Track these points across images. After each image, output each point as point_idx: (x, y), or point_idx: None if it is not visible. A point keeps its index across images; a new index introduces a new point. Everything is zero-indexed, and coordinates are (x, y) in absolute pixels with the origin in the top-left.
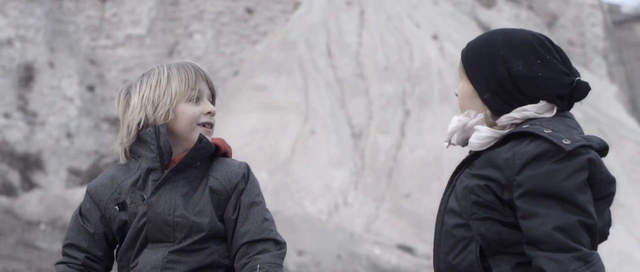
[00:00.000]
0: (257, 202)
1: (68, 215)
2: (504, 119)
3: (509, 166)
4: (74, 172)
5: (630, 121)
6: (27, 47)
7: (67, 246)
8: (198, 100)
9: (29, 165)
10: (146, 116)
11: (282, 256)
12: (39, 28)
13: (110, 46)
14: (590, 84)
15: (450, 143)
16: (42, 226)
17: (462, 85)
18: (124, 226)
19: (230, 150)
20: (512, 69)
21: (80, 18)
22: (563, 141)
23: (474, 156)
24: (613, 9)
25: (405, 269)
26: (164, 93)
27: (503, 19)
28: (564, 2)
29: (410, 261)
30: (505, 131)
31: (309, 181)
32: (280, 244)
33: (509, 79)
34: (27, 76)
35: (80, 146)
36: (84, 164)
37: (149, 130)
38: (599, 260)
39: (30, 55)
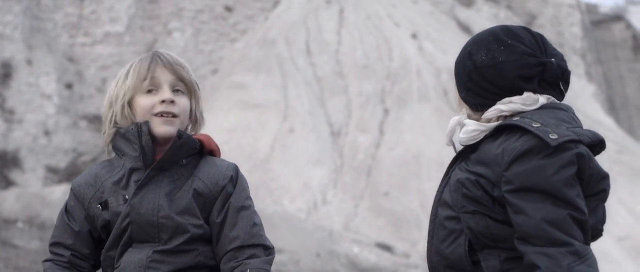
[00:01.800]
0: (247, 206)
1: (46, 213)
2: (491, 112)
3: (498, 163)
4: (51, 170)
5: (608, 120)
6: (4, 45)
7: (53, 244)
8: (157, 91)
9: (6, 163)
10: (115, 113)
11: (271, 262)
12: (17, 25)
13: (89, 44)
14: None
15: (453, 144)
16: (20, 224)
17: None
18: (107, 225)
19: (217, 148)
20: (477, 61)
21: (58, 15)
22: (550, 136)
23: (470, 150)
24: (591, 9)
25: (384, 267)
26: (121, 88)
27: (482, 18)
28: (542, 2)
29: (389, 260)
30: (493, 124)
31: (288, 180)
32: (269, 250)
33: (476, 71)
34: (4, 74)
35: (58, 144)
36: (62, 162)
37: (132, 129)
38: (592, 255)
39: (8, 52)
